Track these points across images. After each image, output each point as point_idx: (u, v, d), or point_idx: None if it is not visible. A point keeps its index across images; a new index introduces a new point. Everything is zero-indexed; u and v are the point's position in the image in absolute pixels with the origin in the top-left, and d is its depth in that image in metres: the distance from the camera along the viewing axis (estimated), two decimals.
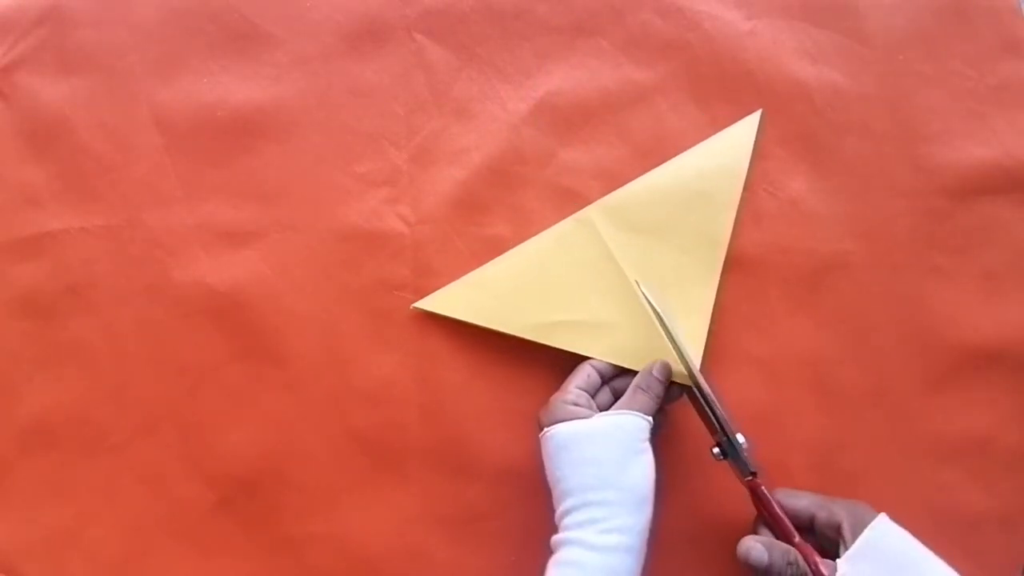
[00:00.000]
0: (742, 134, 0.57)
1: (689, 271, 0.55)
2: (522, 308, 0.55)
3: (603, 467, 0.46)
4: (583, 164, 0.57)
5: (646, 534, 0.46)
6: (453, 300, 0.56)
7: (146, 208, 0.58)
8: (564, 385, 0.51)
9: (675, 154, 0.57)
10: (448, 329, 0.56)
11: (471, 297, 0.55)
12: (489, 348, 0.56)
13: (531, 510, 0.54)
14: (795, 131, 0.58)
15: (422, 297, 0.56)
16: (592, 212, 0.56)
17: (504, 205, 0.57)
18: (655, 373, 0.50)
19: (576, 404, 0.49)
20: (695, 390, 0.51)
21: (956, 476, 0.56)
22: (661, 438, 0.51)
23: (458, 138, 0.58)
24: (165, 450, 0.56)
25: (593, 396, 0.51)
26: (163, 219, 0.58)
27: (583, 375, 0.51)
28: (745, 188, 0.56)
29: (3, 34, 0.59)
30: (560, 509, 0.47)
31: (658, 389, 0.50)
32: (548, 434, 0.48)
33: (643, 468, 0.47)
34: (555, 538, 0.47)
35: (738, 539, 0.46)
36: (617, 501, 0.45)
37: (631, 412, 0.48)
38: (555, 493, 0.48)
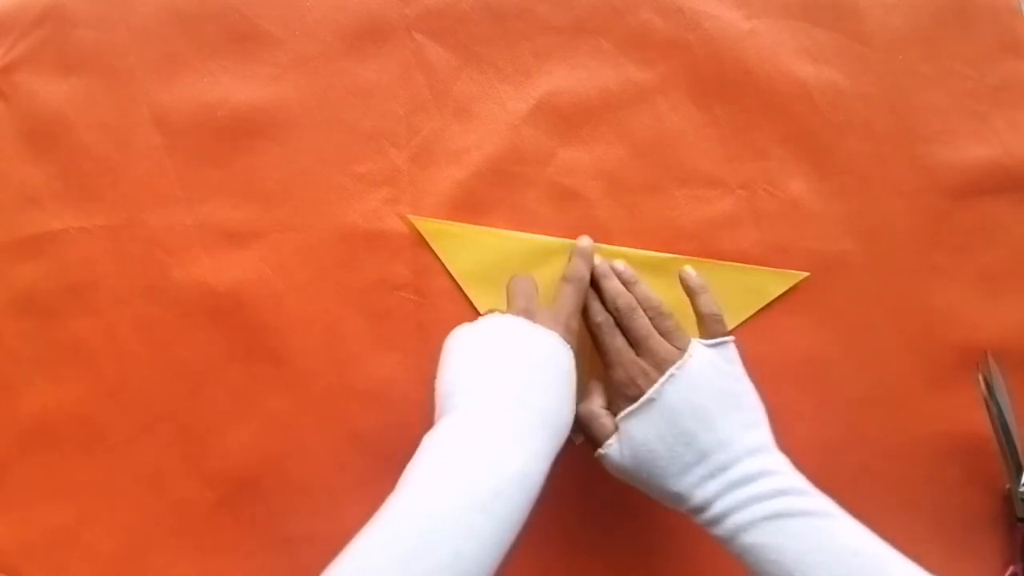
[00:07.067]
0: None
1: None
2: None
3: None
4: (583, 164, 0.57)
5: None
6: (446, 238, 0.56)
7: (146, 208, 0.58)
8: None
9: (674, 153, 0.57)
10: (448, 329, 0.56)
11: (463, 247, 0.56)
12: None
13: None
14: (795, 131, 0.58)
15: (422, 297, 0.56)
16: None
17: (504, 205, 0.57)
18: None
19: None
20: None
21: (956, 476, 0.56)
22: None
23: (458, 138, 0.58)
24: (165, 450, 0.56)
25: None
26: (163, 219, 0.58)
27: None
28: (745, 188, 0.56)
29: (3, 34, 0.59)
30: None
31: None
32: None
33: None
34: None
35: None
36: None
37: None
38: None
